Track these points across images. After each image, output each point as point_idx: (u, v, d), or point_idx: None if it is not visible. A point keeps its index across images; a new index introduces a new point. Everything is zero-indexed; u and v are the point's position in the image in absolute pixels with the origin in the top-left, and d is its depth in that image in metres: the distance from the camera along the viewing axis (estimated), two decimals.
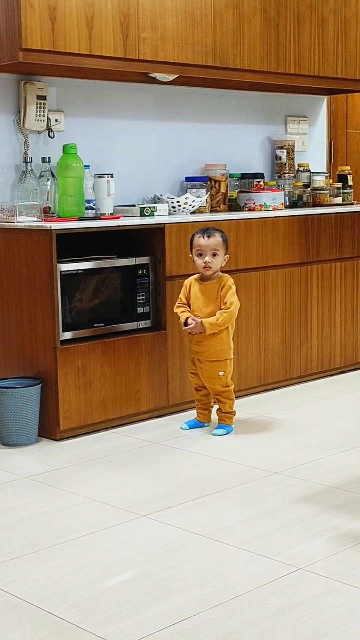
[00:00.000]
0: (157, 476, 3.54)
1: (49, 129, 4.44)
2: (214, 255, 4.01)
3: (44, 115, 4.37)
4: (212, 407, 4.19)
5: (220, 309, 3.98)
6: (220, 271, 4.07)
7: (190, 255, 4.07)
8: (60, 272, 3.95)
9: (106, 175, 4.37)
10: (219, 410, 4.13)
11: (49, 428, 4.00)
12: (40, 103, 4.35)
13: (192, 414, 4.24)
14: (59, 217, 4.20)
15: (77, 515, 3.13)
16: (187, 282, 4.11)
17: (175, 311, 4.09)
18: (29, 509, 3.20)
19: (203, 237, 4.01)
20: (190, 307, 4.06)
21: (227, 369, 4.06)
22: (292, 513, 3.08)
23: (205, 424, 4.16)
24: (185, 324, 4.01)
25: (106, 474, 3.57)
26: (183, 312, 4.05)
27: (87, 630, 2.30)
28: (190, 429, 4.13)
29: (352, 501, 3.18)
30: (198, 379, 4.12)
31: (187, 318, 4.00)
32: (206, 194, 4.87)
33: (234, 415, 4.12)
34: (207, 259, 4.00)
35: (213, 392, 4.10)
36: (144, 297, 4.29)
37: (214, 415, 4.18)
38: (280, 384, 4.89)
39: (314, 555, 2.74)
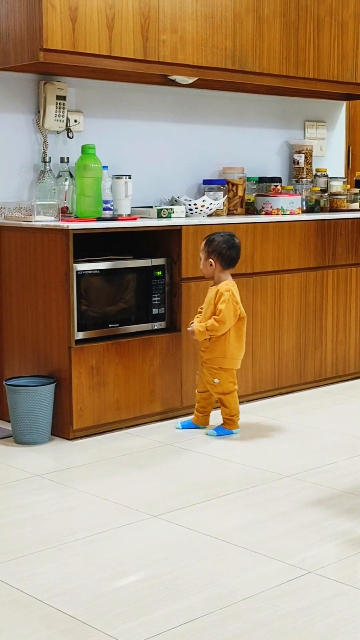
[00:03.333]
0: (168, 477, 3.54)
1: (68, 130, 4.45)
2: (201, 260, 4.07)
3: (63, 116, 4.38)
4: (210, 412, 4.18)
5: (213, 316, 3.99)
6: (232, 275, 4.07)
7: None
8: (77, 272, 3.95)
9: (124, 177, 4.37)
10: (221, 412, 4.14)
11: (62, 427, 4.01)
12: (60, 103, 4.36)
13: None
14: (77, 217, 4.20)
15: (88, 514, 3.14)
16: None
17: None
18: (41, 506, 3.21)
19: None
20: None
21: (222, 378, 4.04)
22: (302, 516, 3.08)
23: (204, 428, 4.14)
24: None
25: (118, 473, 3.57)
26: (196, 317, 4.09)
27: (97, 628, 2.30)
28: (184, 429, 4.13)
29: None
30: (202, 382, 4.13)
31: (190, 322, 4.08)
32: (223, 196, 4.87)
33: (235, 420, 4.09)
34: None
35: (215, 396, 4.11)
36: (159, 299, 4.29)
37: (213, 421, 4.18)
38: (294, 388, 4.88)
39: (324, 558, 2.73)
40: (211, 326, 3.95)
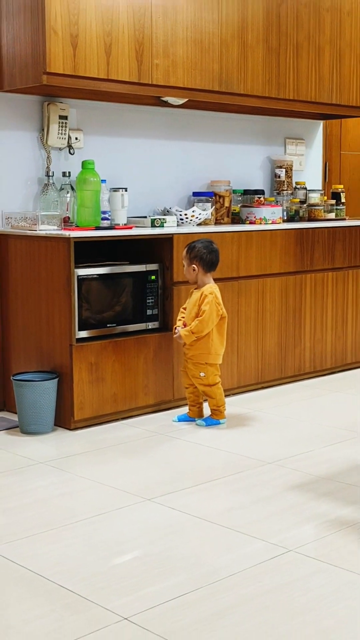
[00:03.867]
0: (161, 464, 3.53)
1: (70, 146, 4.44)
2: (184, 266, 4.07)
3: (65, 134, 4.37)
4: (201, 404, 4.17)
5: (196, 317, 3.99)
6: (214, 280, 4.07)
7: None
8: (77, 276, 3.94)
9: (121, 189, 4.37)
10: (208, 404, 4.13)
11: (64, 418, 4.00)
12: (62, 122, 4.35)
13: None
14: (77, 226, 4.20)
15: (88, 498, 3.13)
16: (192, 289, 4.13)
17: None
18: (44, 491, 3.20)
19: None
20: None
21: (207, 371, 4.04)
22: (283, 500, 3.08)
23: (196, 420, 4.13)
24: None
25: (115, 461, 3.56)
26: (179, 320, 4.08)
27: (95, 602, 2.30)
28: (179, 422, 4.12)
29: (339, 490, 3.18)
30: (186, 377, 4.11)
31: (174, 328, 4.07)
32: (211, 207, 4.87)
33: (222, 410, 4.08)
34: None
35: (200, 389, 4.10)
36: (152, 301, 4.28)
37: (206, 411, 4.17)
38: (275, 382, 4.88)
39: (304, 538, 2.73)
40: (196, 328, 3.95)
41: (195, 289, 4.07)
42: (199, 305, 3.98)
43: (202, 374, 4.04)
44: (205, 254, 4.02)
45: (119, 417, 4.17)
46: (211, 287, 4.02)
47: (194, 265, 4.03)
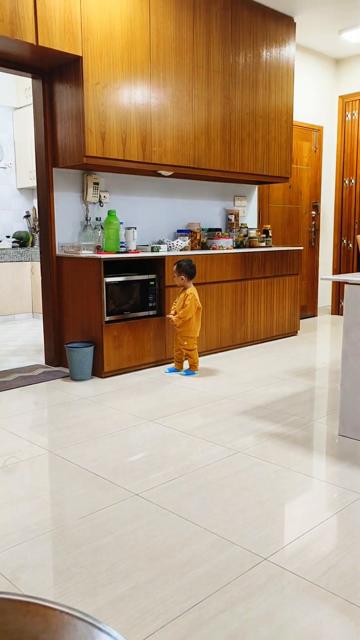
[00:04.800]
0: (158, 398, 3.51)
1: (100, 202, 4.39)
2: (174, 276, 4.00)
3: (97, 194, 4.32)
4: (183, 361, 4.13)
5: (182, 308, 3.95)
6: (194, 284, 4.04)
7: None
8: (105, 282, 3.90)
9: (132, 228, 4.32)
10: (187, 361, 4.10)
11: (98, 370, 3.96)
12: (95, 186, 4.29)
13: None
14: (105, 251, 4.15)
15: (113, 419, 3.11)
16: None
17: None
18: (86, 416, 3.18)
19: (173, 266, 4.00)
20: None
21: (189, 341, 4.01)
22: (235, 420, 3.07)
23: (179, 371, 4.10)
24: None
25: (129, 396, 3.54)
26: (171, 310, 4.02)
27: (117, 484, 2.28)
28: (169, 372, 4.09)
29: (270, 414, 3.17)
30: (176, 344, 4.08)
31: (168, 316, 4.01)
32: (188, 239, 4.83)
33: (196, 366, 4.05)
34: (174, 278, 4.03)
35: (184, 352, 4.07)
36: (152, 298, 4.25)
37: (186, 365, 4.15)
38: (229, 347, 4.86)
39: (247, 444, 2.72)
40: (182, 315, 3.92)
41: (181, 291, 4.03)
42: (183, 301, 3.95)
43: (185, 343, 4.01)
44: (189, 269, 4.00)
45: (132, 369, 4.13)
46: (192, 290, 3.99)
47: (182, 276, 3.99)
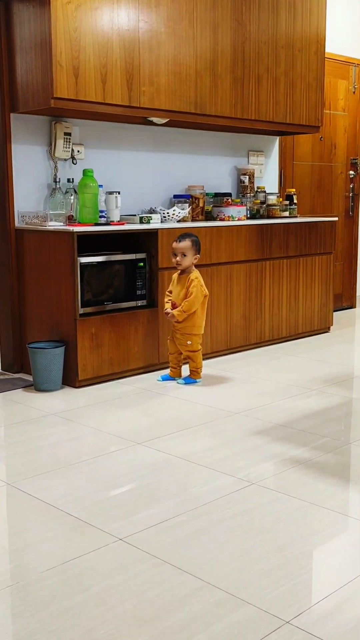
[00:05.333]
0: (149, 414, 3.52)
1: (73, 158, 4.39)
2: (184, 255, 3.97)
3: (69, 148, 4.32)
4: (181, 366, 4.14)
5: (185, 299, 3.95)
6: (195, 266, 4.03)
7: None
8: (80, 263, 3.91)
9: (115, 193, 4.33)
10: (188, 366, 4.11)
11: (71, 378, 3.98)
12: (67, 138, 4.29)
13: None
14: (79, 223, 4.15)
15: (89, 442, 3.12)
16: (174, 275, 4.09)
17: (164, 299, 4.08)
18: (54, 437, 3.19)
19: (177, 241, 3.98)
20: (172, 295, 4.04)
21: (193, 340, 4.02)
22: (248, 442, 3.08)
23: (176, 379, 4.11)
24: (166, 313, 4.01)
25: (111, 412, 3.55)
26: (165, 303, 4.03)
27: (95, 526, 2.29)
28: (163, 380, 4.10)
29: (292, 435, 3.18)
30: (173, 345, 4.09)
31: (165, 310, 4.00)
32: (189, 207, 4.84)
33: (199, 372, 4.07)
34: (177, 258, 3.97)
35: (185, 354, 4.08)
36: (141, 283, 4.26)
37: (185, 371, 4.15)
38: (241, 348, 4.87)
39: (264, 473, 2.74)
40: (186, 307, 3.93)
41: (179, 274, 4.03)
42: (187, 288, 3.95)
43: (188, 342, 4.02)
44: (199, 245, 4.01)
45: (114, 377, 4.15)
46: (196, 273, 4.00)
47: (197, 256, 4.01)
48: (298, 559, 2.09)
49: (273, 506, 2.44)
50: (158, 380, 4.12)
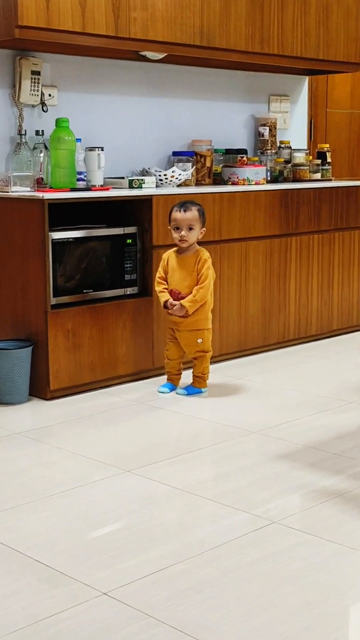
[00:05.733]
0: (141, 433, 3.53)
1: (43, 103, 4.40)
2: (190, 229, 3.97)
3: (38, 90, 4.33)
4: (181, 373, 4.17)
5: (197, 284, 3.96)
6: (197, 243, 4.04)
7: (169, 227, 4.04)
8: (52, 240, 3.92)
9: (97, 149, 4.33)
10: (193, 371, 4.12)
11: (40, 388, 3.99)
12: (35, 78, 4.30)
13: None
14: (51, 187, 4.16)
15: (65, 469, 3.13)
16: (165, 255, 4.08)
17: (155, 289, 4.07)
18: (20, 463, 3.20)
19: (180, 211, 3.96)
20: (167, 282, 4.03)
21: (205, 337, 4.04)
22: (267, 469, 3.09)
23: (176, 388, 4.12)
24: (165, 306, 3.98)
25: (93, 431, 3.56)
26: (162, 292, 4.01)
27: (73, 577, 2.30)
28: (164, 391, 4.11)
29: (324, 459, 3.19)
30: (176, 348, 4.08)
31: (166, 301, 3.98)
32: (192, 168, 4.84)
33: (205, 379, 4.09)
34: (183, 232, 3.96)
35: (190, 356, 4.09)
36: (131, 265, 4.27)
37: (186, 379, 4.17)
38: (258, 349, 4.88)
39: (288, 509, 2.75)
40: (200, 296, 3.93)
41: (178, 254, 4.03)
42: (198, 272, 3.96)
43: (199, 340, 4.03)
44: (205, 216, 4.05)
45: (97, 386, 4.16)
46: (205, 251, 4.01)
47: (203, 229, 4.03)
48: (332, 617, 2.10)
49: (300, 551, 2.45)
50: (159, 392, 4.11)
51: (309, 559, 2.40)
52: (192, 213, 3.96)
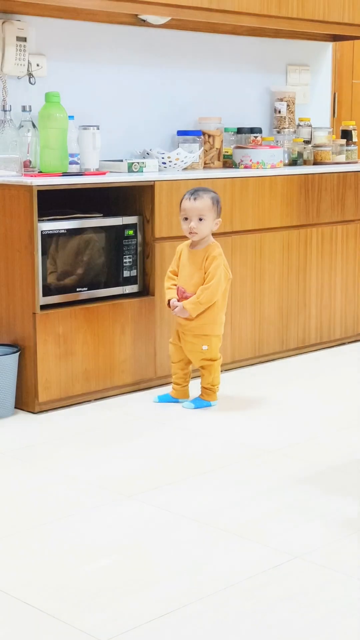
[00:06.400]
0: (142, 454, 3.53)
1: (30, 75, 4.40)
2: (201, 219, 3.96)
3: (24, 59, 4.32)
4: (189, 382, 4.17)
5: (204, 283, 3.96)
6: (212, 236, 4.04)
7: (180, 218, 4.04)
8: (41, 231, 3.92)
9: (92, 127, 4.33)
10: (201, 382, 4.13)
11: (27, 400, 3.99)
12: (20, 45, 4.30)
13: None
14: (40, 172, 4.16)
15: (57, 495, 3.13)
16: (179, 248, 4.08)
17: (165, 284, 4.09)
18: (5, 488, 3.19)
19: (189, 199, 3.96)
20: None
21: (211, 344, 4.03)
22: (286, 496, 3.09)
23: (181, 401, 4.13)
24: (169, 304, 4.01)
25: (88, 450, 3.56)
26: (169, 288, 4.03)
27: (65, 621, 2.29)
28: (161, 402, 4.12)
29: (352, 484, 3.19)
30: (178, 351, 4.10)
31: (170, 300, 4.00)
32: (199, 149, 4.84)
33: (215, 391, 4.10)
34: (192, 224, 3.95)
35: (196, 364, 4.08)
36: (131, 260, 4.27)
37: (193, 392, 4.17)
38: (276, 356, 4.89)
39: (311, 542, 2.74)
40: (205, 298, 3.92)
41: (190, 247, 4.03)
42: (206, 269, 3.95)
43: (204, 347, 4.02)
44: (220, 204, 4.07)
45: (91, 398, 4.16)
46: (218, 246, 4.00)
47: (219, 220, 4.03)
48: None
49: (326, 590, 2.44)
50: (155, 401, 4.13)
51: (336, 602, 2.39)
52: (204, 201, 3.95)
